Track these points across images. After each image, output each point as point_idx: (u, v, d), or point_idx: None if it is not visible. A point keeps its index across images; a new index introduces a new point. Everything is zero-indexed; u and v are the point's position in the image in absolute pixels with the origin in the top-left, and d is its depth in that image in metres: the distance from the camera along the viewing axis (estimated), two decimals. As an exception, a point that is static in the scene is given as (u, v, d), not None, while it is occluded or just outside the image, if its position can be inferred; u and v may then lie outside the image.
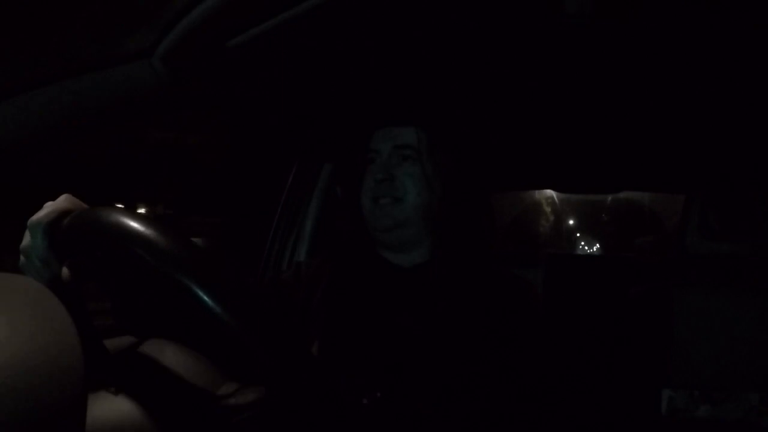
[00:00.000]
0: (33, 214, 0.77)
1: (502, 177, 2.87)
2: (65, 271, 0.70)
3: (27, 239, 0.77)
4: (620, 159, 2.49)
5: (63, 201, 0.77)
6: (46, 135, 1.01)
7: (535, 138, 2.32)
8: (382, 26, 1.43)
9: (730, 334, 2.08)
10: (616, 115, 2.06)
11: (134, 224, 0.62)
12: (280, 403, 0.74)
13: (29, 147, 1.00)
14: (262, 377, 0.69)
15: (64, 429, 0.51)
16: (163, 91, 1.12)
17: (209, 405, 0.90)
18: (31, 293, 0.56)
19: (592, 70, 1.73)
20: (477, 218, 1.49)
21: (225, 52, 1.18)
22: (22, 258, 0.78)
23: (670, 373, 2.09)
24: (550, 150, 2.44)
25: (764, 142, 2.07)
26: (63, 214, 0.75)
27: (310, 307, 1.30)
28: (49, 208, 0.76)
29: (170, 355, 0.94)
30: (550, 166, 2.69)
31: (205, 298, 0.59)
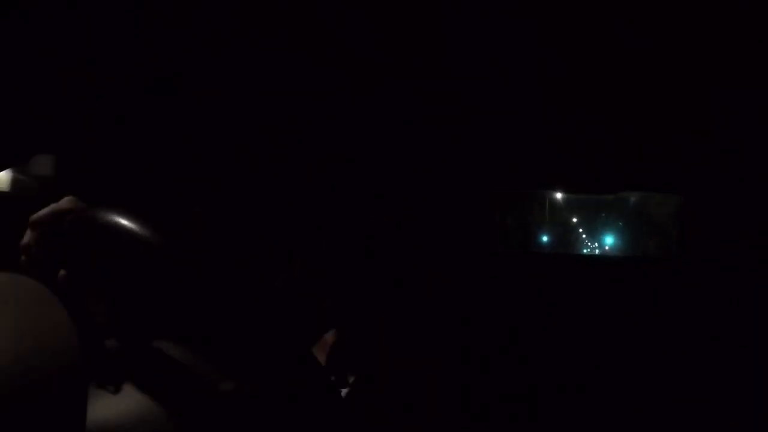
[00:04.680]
0: (35, 212, 0.78)
1: (502, 177, 2.87)
2: (64, 271, 0.71)
3: (27, 237, 0.78)
4: (620, 159, 2.50)
5: (66, 202, 0.78)
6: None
7: (535, 138, 2.33)
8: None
9: None
10: (616, 114, 2.06)
11: (133, 224, 0.63)
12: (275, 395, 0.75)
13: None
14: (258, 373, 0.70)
15: (63, 427, 0.52)
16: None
17: (209, 400, 0.91)
18: (30, 292, 0.57)
19: (591, 70, 1.74)
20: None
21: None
22: (22, 256, 0.79)
23: None
24: (551, 150, 2.44)
25: (763, 143, 2.07)
26: (65, 213, 0.76)
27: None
28: (51, 207, 0.78)
29: (170, 352, 0.95)
30: (550, 166, 2.70)
31: (206, 297, 0.60)
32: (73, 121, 1.51)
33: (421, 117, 2.09)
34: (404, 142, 2.11)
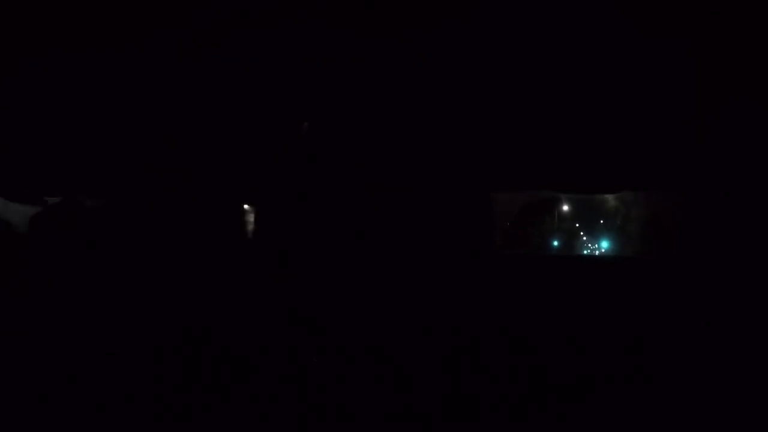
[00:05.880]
0: (35, 211, 0.79)
1: (502, 177, 2.87)
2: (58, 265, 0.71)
3: (28, 235, 0.78)
4: (620, 159, 2.50)
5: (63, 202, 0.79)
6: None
7: (535, 138, 2.33)
8: None
9: None
10: (616, 115, 2.06)
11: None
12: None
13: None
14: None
15: None
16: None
17: None
18: None
19: (590, 69, 1.74)
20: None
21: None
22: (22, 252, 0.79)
23: None
24: (550, 150, 2.44)
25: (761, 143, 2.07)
26: (61, 214, 0.76)
27: None
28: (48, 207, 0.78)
29: None
30: (550, 166, 2.69)
31: None
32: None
33: (421, 117, 2.10)
34: (404, 142, 2.11)
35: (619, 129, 2.17)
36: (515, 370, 1.53)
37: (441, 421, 1.18)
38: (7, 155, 1.58)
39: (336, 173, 2.22)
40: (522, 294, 2.17)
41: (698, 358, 2.11)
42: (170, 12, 1.47)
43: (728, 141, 2.13)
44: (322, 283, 1.56)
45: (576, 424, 2.16)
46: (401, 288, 1.48)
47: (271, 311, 1.51)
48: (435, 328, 1.36)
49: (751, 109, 1.86)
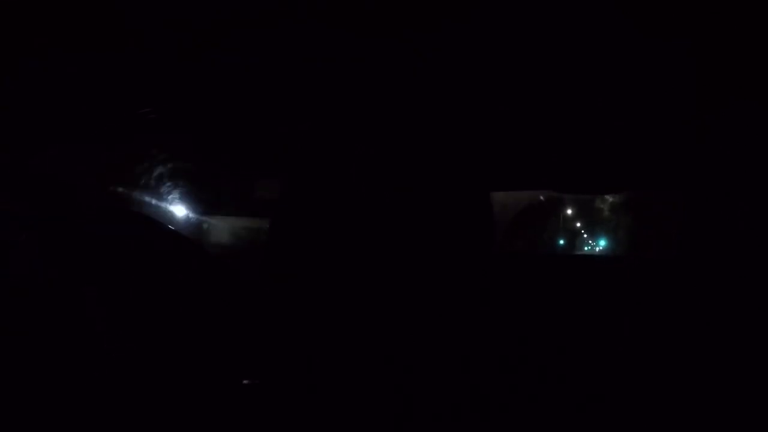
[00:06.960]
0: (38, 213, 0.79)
1: (502, 177, 2.87)
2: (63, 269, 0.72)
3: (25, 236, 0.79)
4: (620, 159, 2.50)
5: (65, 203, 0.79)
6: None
7: (535, 138, 2.33)
8: None
9: None
10: (616, 115, 2.06)
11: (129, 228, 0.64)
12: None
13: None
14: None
15: None
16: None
17: None
18: None
19: (590, 68, 1.74)
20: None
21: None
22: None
23: None
24: (550, 150, 2.44)
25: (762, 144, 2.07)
26: (64, 215, 0.76)
27: None
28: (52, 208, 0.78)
29: None
30: (550, 166, 2.70)
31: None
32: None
33: (421, 117, 2.10)
34: (404, 142, 2.11)
35: (619, 129, 2.17)
36: (517, 370, 1.53)
37: (442, 422, 1.18)
38: (8, 155, 1.58)
39: (336, 173, 2.22)
40: (522, 293, 2.18)
41: (698, 358, 2.12)
42: (170, 12, 1.48)
43: (728, 141, 2.13)
44: (320, 283, 1.57)
45: (575, 424, 2.17)
46: (401, 288, 1.48)
47: (272, 312, 1.51)
48: (435, 328, 1.36)
49: (751, 109, 1.86)
